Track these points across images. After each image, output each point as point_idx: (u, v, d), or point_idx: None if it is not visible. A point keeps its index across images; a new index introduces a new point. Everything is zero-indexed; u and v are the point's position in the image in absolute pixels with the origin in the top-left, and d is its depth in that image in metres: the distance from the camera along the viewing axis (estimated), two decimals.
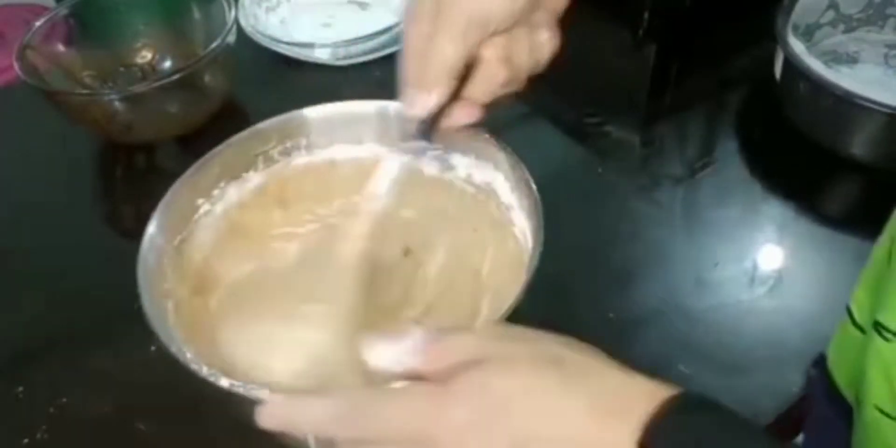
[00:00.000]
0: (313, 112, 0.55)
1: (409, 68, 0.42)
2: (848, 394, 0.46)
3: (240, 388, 0.39)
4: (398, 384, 0.34)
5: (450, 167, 0.55)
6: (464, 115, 0.44)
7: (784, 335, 0.54)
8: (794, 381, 0.51)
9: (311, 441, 0.36)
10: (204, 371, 0.40)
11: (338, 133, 0.56)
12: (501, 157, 0.51)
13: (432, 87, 0.41)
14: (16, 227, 0.68)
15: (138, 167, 0.71)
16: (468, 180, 0.54)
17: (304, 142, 0.55)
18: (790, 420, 0.51)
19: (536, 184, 0.66)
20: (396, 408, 0.32)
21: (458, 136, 0.50)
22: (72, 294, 0.61)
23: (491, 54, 0.42)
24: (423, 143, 0.45)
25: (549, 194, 0.65)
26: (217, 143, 0.56)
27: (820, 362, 0.50)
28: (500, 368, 0.31)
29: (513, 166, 0.50)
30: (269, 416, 0.33)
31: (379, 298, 0.51)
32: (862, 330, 0.44)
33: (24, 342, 0.59)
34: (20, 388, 0.55)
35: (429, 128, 0.44)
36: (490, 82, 0.43)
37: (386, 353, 0.34)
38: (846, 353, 0.46)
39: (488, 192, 0.53)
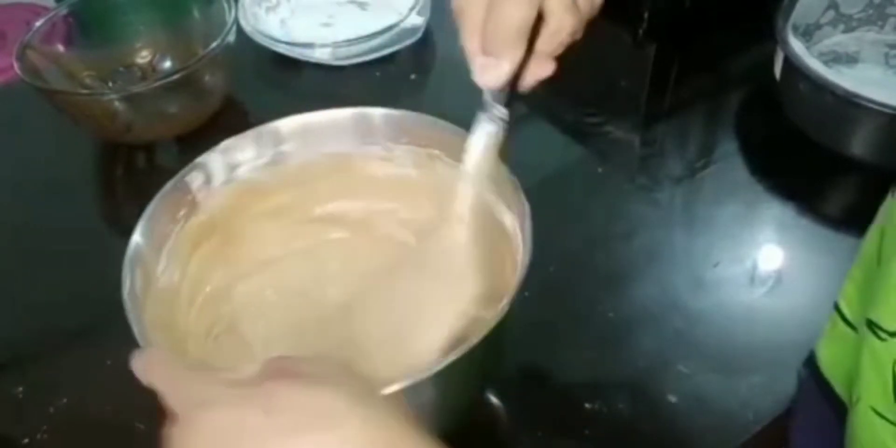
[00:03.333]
0: (289, 123, 0.54)
1: (471, 36, 0.41)
2: (842, 393, 0.46)
3: None
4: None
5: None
6: (539, 71, 0.42)
7: (784, 336, 0.54)
8: (793, 382, 0.51)
9: None
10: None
11: (315, 142, 0.55)
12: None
13: (504, 54, 0.40)
14: (15, 227, 0.68)
15: (138, 167, 0.71)
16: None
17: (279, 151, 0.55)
18: (788, 421, 0.51)
19: (537, 184, 0.66)
20: (195, 386, 0.32)
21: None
22: (72, 293, 0.61)
23: (555, 5, 0.40)
24: (502, 110, 0.44)
25: (550, 194, 0.65)
26: (217, 141, 0.56)
27: (810, 361, 0.49)
28: (298, 385, 0.31)
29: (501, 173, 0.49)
30: (134, 363, 0.34)
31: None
32: (853, 328, 0.44)
33: (23, 342, 0.59)
34: (20, 389, 0.55)
35: (505, 93, 0.43)
36: (559, 34, 0.41)
37: None
38: (839, 352, 0.45)
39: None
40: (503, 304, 0.41)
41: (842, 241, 0.61)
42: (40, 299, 0.61)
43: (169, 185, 0.51)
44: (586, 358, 0.54)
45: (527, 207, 0.46)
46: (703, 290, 0.57)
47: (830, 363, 0.47)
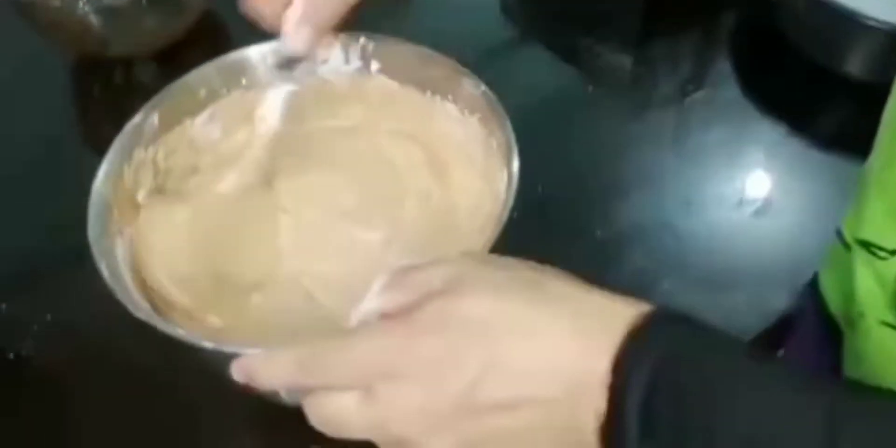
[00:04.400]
0: (387, 41, 0.51)
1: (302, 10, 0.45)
2: (837, 314, 0.46)
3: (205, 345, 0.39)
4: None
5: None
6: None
7: (769, 254, 0.55)
8: (777, 300, 0.52)
9: (282, 391, 0.35)
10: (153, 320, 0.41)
11: (402, 70, 0.52)
12: (466, 83, 0.49)
13: (322, 33, 0.46)
14: None
15: (115, 83, 0.69)
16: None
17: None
18: (772, 337, 0.52)
19: (527, 104, 0.65)
20: (360, 348, 0.30)
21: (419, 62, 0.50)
22: (50, 212, 0.60)
23: None
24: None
25: (540, 114, 0.64)
26: (196, 57, 0.54)
27: (813, 282, 0.49)
28: (467, 293, 0.30)
29: (480, 94, 0.48)
30: (240, 372, 0.33)
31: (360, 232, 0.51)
32: (849, 248, 0.43)
33: (7, 260, 0.58)
34: (4, 305, 0.55)
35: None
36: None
37: (360, 307, 0.32)
38: (837, 275, 0.45)
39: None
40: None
41: (831, 162, 0.60)
42: (18, 218, 0.60)
43: (238, 51, 0.51)
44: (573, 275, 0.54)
45: (515, 150, 0.45)
46: (692, 211, 0.57)
47: (828, 285, 0.47)
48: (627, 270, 0.54)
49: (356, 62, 0.52)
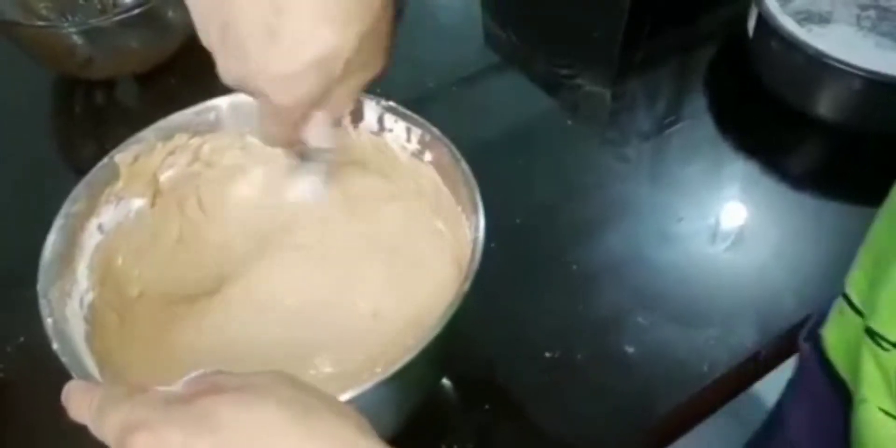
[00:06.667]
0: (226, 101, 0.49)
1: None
2: (846, 377, 0.45)
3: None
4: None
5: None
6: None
7: (742, 291, 0.55)
8: (748, 336, 0.52)
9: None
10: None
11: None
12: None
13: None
14: None
15: (97, 104, 0.69)
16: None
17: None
18: (741, 374, 0.52)
19: (506, 134, 0.66)
20: (123, 410, 0.30)
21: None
22: (25, 233, 0.59)
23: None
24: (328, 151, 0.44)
25: (518, 145, 0.65)
26: (179, 80, 0.54)
27: (813, 339, 0.48)
28: (237, 401, 0.29)
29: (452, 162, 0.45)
30: (63, 396, 0.33)
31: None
32: (862, 315, 0.42)
33: None
34: None
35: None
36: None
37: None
38: (845, 338, 0.44)
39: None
40: (449, 307, 0.39)
41: (803, 201, 0.62)
42: None
43: None
44: (548, 309, 0.54)
45: (480, 209, 0.43)
46: (666, 245, 0.58)
47: (836, 348, 0.46)
48: (602, 304, 0.54)
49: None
